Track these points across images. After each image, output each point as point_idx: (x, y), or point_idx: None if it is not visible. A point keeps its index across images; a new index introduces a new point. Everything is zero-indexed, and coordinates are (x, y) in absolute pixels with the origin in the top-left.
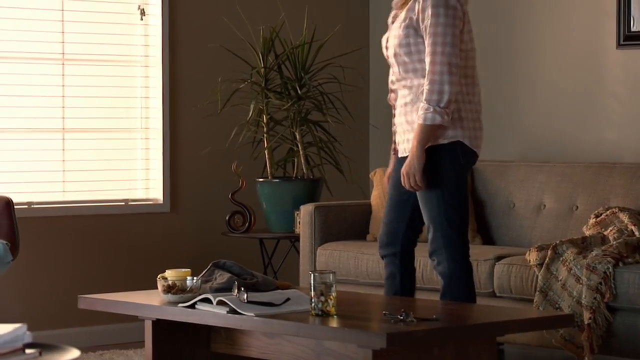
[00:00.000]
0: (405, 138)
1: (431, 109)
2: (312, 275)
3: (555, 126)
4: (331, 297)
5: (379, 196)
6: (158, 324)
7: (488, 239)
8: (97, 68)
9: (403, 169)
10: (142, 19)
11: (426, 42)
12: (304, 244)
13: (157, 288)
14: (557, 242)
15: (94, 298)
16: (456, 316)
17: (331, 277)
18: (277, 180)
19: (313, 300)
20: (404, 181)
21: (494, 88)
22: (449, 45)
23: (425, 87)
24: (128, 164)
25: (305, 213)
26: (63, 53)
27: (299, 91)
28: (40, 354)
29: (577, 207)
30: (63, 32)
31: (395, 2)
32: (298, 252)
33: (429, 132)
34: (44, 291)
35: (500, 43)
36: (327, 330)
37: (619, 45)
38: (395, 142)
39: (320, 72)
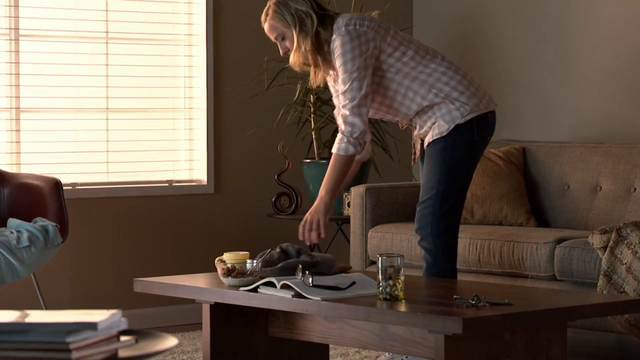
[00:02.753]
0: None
1: (345, 139)
2: (379, 258)
3: (607, 107)
4: (399, 281)
5: None
6: (216, 308)
7: (542, 222)
8: (141, 47)
9: (307, 215)
10: None
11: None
12: (355, 227)
13: (208, 270)
14: (622, 224)
15: (151, 281)
16: (529, 300)
17: (399, 260)
18: (324, 161)
19: (381, 284)
20: (302, 229)
21: (546, 69)
22: (354, 81)
23: (340, 119)
24: (172, 145)
25: (356, 195)
26: (107, 32)
27: None
28: (136, 341)
29: (635, 189)
30: (107, 11)
31: None
32: (344, 234)
33: (342, 163)
34: (92, 273)
35: (552, 24)
36: (399, 315)
37: None
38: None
39: None
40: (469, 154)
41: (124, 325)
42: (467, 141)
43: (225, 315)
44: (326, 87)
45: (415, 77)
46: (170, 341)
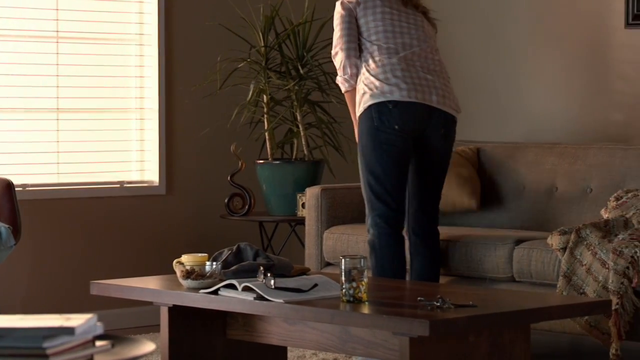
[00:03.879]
0: None
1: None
2: (342, 260)
3: (561, 107)
4: (363, 282)
5: None
6: (174, 310)
7: (498, 222)
8: (92, 46)
9: None
10: None
11: None
12: (310, 228)
13: (162, 272)
14: (581, 225)
15: (108, 284)
16: (493, 302)
17: (362, 262)
18: (278, 162)
19: (344, 286)
20: None
21: (499, 69)
22: (333, 44)
23: None
24: (123, 145)
25: (311, 195)
26: (57, 31)
27: (301, 70)
28: (112, 346)
29: (591, 189)
30: (57, 10)
31: None
32: (298, 236)
33: (346, 99)
34: (47, 275)
35: (505, 24)
36: (364, 317)
37: (627, 24)
38: None
39: (322, 51)
40: (373, 141)
41: (99, 330)
42: (367, 128)
43: (183, 318)
44: (279, 87)
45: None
46: (147, 346)
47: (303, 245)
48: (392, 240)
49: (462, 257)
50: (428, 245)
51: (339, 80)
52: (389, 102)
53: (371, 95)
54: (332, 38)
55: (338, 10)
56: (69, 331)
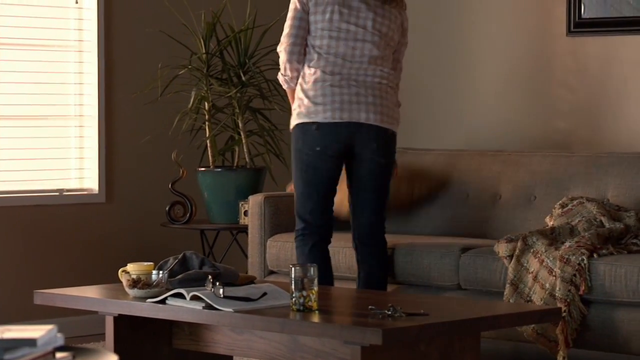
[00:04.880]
0: None
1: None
2: (292, 268)
3: (504, 115)
4: (313, 291)
5: None
6: (119, 320)
7: (443, 230)
8: (30, 53)
9: None
10: (76, 2)
11: None
12: (253, 236)
13: (104, 281)
14: (527, 232)
15: (52, 293)
16: (443, 310)
17: (312, 270)
18: (219, 169)
19: (294, 295)
20: None
21: (439, 76)
22: (281, 38)
23: None
24: (62, 152)
25: (254, 203)
26: None
27: (243, 77)
28: (73, 357)
29: (535, 197)
30: None
31: None
32: (239, 244)
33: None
34: None
35: (444, 31)
36: (316, 326)
37: (569, 32)
38: None
39: (264, 57)
40: (297, 161)
41: (60, 341)
42: (294, 148)
43: (129, 327)
44: (221, 94)
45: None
46: (110, 357)
47: (245, 253)
48: (312, 254)
49: (408, 265)
50: (374, 254)
51: (280, 78)
52: (313, 123)
53: (298, 114)
54: (270, 46)
55: (293, 1)
56: (30, 342)
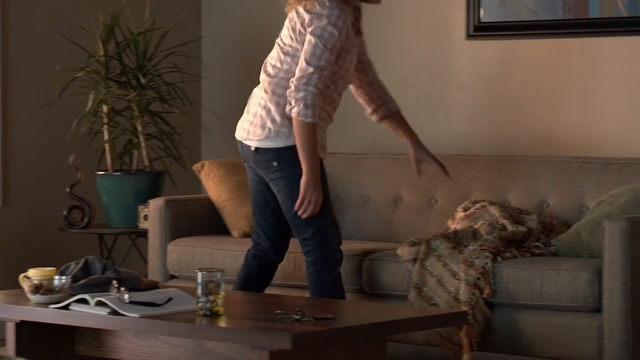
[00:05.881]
0: None
1: None
2: (199, 273)
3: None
4: (219, 296)
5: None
6: (21, 326)
7: (343, 234)
8: None
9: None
10: None
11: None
12: (154, 240)
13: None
14: (431, 236)
15: None
16: (351, 314)
17: (219, 275)
18: (118, 173)
19: (200, 299)
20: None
21: None
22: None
23: None
24: None
25: (154, 207)
26: None
27: (142, 80)
28: None
29: (437, 200)
30: None
31: None
32: (138, 248)
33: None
34: None
35: None
36: (224, 331)
37: (468, 36)
38: None
39: (163, 60)
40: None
41: None
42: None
43: (30, 334)
44: (120, 97)
45: None
46: None
47: (144, 257)
48: (249, 270)
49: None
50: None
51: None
52: (239, 142)
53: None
54: (175, 46)
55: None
56: None
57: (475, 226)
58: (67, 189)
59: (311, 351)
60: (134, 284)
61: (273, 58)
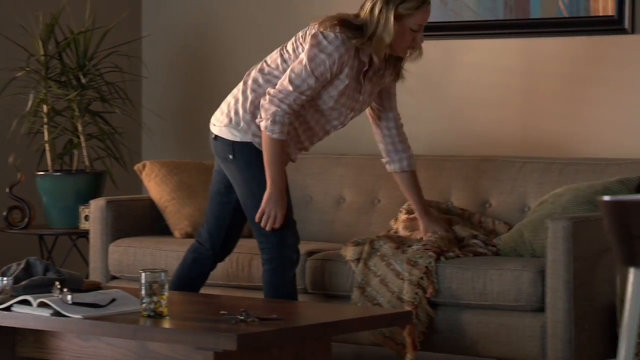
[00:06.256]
0: None
1: None
2: (142, 273)
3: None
4: (163, 297)
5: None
6: None
7: None
8: None
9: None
10: None
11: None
12: (95, 241)
13: None
14: (375, 237)
15: None
16: (296, 315)
17: (163, 276)
18: (58, 173)
19: (144, 300)
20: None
21: None
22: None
23: None
24: None
25: (95, 208)
26: None
27: (82, 80)
28: None
29: (379, 200)
30: None
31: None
32: (79, 249)
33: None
34: None
35: (286, 37)
36: (169, 332)
37: None
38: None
39: (104, 60)
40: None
41: None
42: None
43: None
44: (60, 97)
45: None
46: None
47: (84, 258)
48: (183, 262)
49: (253, 268)
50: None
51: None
52: None
53: None
54: (116, 46)
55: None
56: None
57: (418, 237)
58: (7, 190)
59: (255, 351)
60: (76, 285)
61: (271, 57)
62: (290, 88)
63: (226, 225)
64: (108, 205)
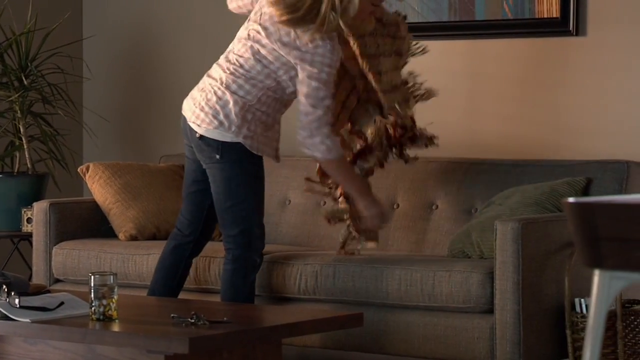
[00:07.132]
0: None
1: None
2: (92, 277)
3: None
4: (113, 300)
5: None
6: None
7: None
8: None
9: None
10: None
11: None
12: (38, 244)
13: None
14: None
15: None
16: (247, 318)
17: (112, 279)
18: (0, 175)
19: (93, 304)
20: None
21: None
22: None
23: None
24: None
25: (39, 210)
26: None
27: (24, 81)
28: None
29: (325, 202)
30: None
31: None
32: (21, 252)
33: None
34: None
35: (229, 37)
36: (119, 335)
37: None
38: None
39: (46, 61)
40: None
41: None
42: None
43: None
44: (2, 98)
45: None
46: None
47: (26, 261)
48: (163, 252)
49: (199, 271)
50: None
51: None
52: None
53: None
54: (59, 47)
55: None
56: None
57: None
58: None
59: (206, 354)
60: (22, 288)
61: (240, 51)
62: (320, 112)
63: (206, 209)
64: (51, 207)
